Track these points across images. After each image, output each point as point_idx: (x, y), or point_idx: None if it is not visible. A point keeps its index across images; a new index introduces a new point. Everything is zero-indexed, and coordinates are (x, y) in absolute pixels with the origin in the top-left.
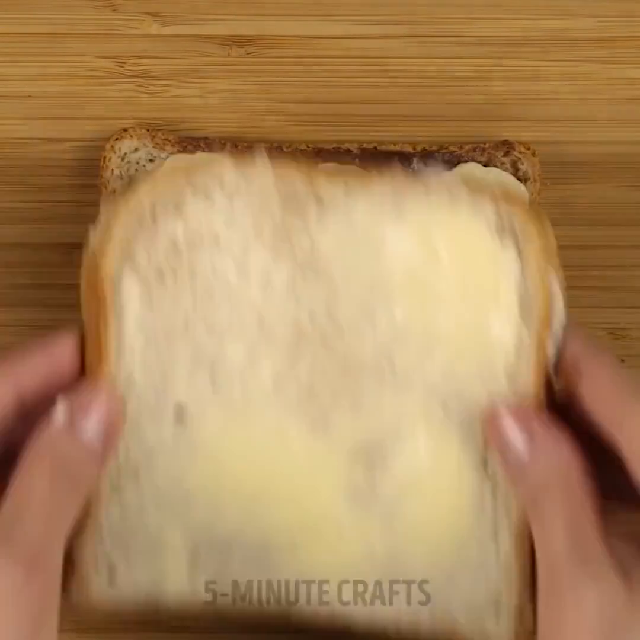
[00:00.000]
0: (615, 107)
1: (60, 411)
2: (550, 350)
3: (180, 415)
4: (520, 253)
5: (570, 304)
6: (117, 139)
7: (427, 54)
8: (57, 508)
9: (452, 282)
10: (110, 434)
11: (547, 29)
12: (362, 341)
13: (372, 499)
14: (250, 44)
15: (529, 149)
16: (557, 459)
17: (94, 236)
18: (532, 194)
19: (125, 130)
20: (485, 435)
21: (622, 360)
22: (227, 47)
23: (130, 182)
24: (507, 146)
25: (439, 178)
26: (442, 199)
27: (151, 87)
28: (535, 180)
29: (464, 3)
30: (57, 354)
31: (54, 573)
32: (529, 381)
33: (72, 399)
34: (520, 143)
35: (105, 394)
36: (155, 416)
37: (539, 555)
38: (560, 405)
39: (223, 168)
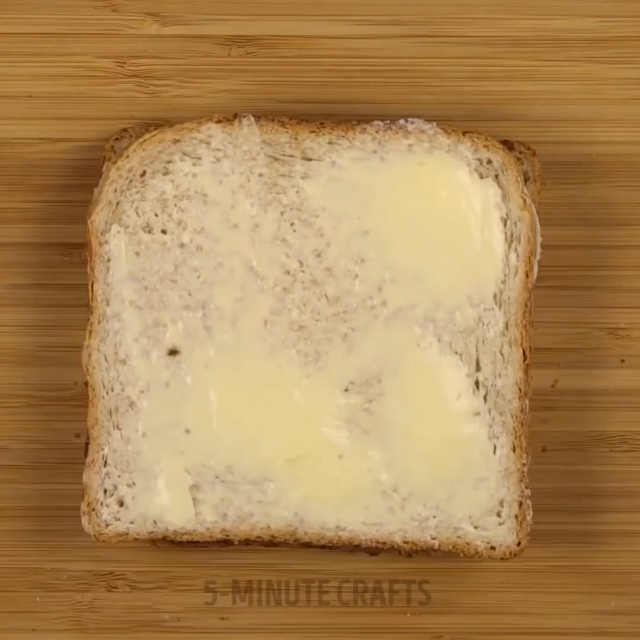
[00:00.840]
0: (615, 107)
1: None
2: (535, 271)
3: (173, 354)
4: (502, 189)
5: (570, 304)
6: (117, 139)
7: (427, 54)
8: None
9: (439, 220)
10: None
11: (546, 29)
12: (353, 282)
13: (370, 423)
14: (250, 44)
15: (529, 149)
16: None
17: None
18: (532, 194)
19: (125, 130)
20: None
21: (622, 361)
22: (227, 47)
23: (122, 150)
24: (507, 146)
25: (420, 128)
26: (423, 147)
27: (151, 87)
28: (535, 181)
29: (464, 3)
30: None
31: None
32: (518, 301)
33: None
34: (520, 143)
35: None
36: (149, 355)
37: None
38: None
39: (210, 131)
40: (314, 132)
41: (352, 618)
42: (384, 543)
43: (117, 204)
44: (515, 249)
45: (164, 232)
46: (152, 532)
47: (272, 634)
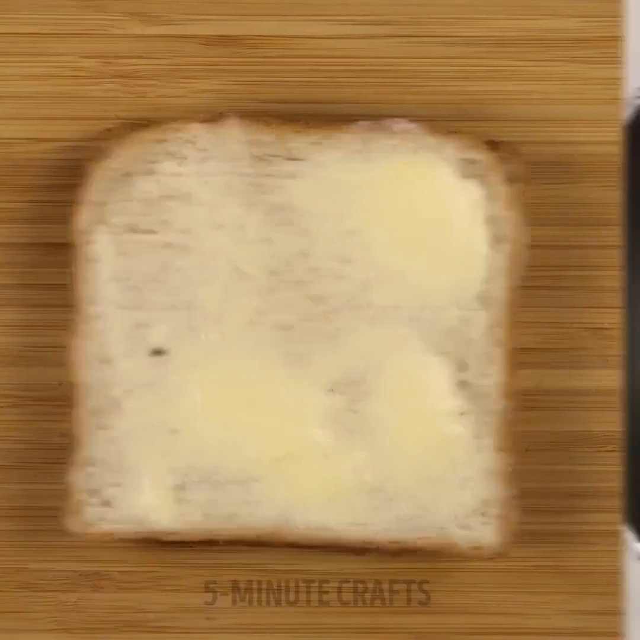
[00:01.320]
0: (597, 107)
1: None
2: (520, 271)
3: (158, 354)
4: (487, 190)
5: (554, 304)
6: (101, 139)
7: (412, 54)
8: None
9: (424, 220)
10: None
11: (530, 28)
12: (338, 282)
13: (355, 423)
14: (234, 44)
15: (513, 149)
16: None
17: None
18: (517, 194)
19: (109, 130)
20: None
21: (606, 360)
22: (212, 47)
23: (107, 150)
24: (492, 146)
25: (404, 128)
26: (408, 147)
27: (136, 87)
28: (519, 181)
29: (448, 3)
30: None
31: None
32: (503, 302)
33: None
34: (504, 143)
35: None
36: (134, 355)
37: None
38: None
39: (195, 130)
40: (298, 132)
41: (352, 618)
42: (369, 543)
43: (102, 204)
44: (500, 249)
45: (148, 232)
46: (137, 532)
47: (272, 634)
